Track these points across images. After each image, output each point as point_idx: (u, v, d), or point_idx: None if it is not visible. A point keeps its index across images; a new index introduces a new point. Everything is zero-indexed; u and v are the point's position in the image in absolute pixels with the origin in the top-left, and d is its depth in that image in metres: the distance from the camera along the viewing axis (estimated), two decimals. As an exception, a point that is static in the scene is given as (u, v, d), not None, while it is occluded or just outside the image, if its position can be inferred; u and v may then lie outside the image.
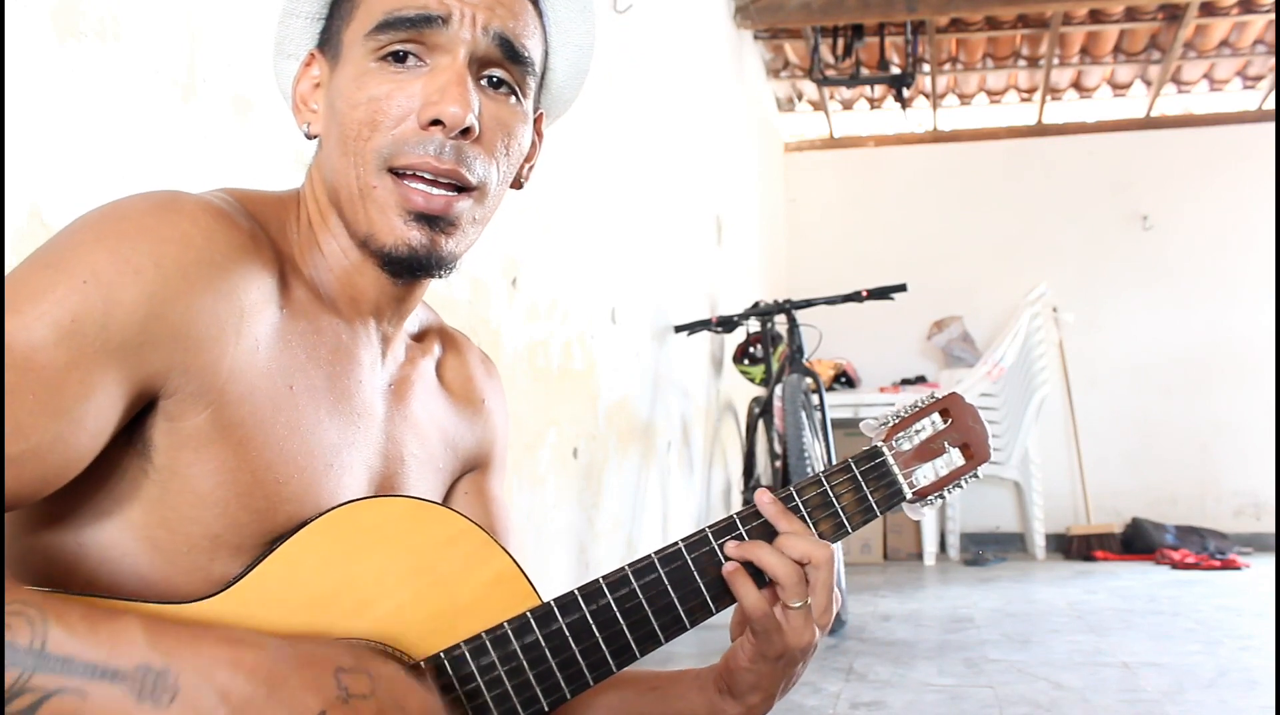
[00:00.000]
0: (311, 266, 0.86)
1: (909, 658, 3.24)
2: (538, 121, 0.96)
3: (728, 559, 0.89)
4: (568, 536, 2.67)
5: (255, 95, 1.44)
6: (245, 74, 1.43)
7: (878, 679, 2.95)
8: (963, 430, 0.96)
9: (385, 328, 0.91)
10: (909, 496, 0.94)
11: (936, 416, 0.96)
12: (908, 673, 3.03)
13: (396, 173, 0.82)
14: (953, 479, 0.95)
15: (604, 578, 0.87)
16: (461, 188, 0.83)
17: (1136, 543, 5.84)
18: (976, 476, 0.97)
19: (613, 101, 3.19)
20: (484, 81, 0.85)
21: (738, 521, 0.90)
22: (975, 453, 0.96)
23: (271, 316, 0.80)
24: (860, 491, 0.93)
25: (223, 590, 0.76)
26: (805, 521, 0.91)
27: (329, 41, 0.88)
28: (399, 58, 0.82)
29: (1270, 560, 5.43)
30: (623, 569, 0.88)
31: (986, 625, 3.80)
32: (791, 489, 0.92)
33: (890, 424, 0.95)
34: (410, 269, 0.84)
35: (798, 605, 0.88)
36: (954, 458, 0.95)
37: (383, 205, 0.82)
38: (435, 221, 0.82)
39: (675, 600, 0.88)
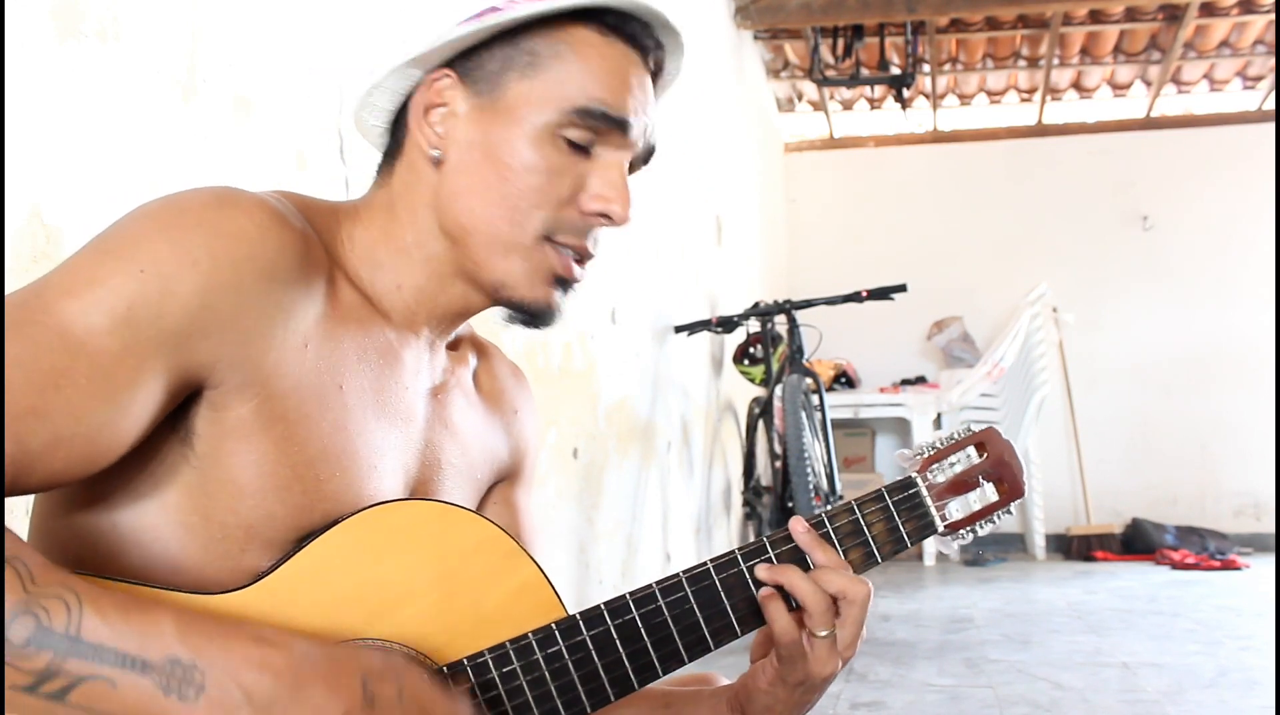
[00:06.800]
0: (365, 274, 0.88)
1: (909, 658, 3.24)
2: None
3: (758, 582, 0.89)
4: (568, 537, 2.67)
5: (256, 95, 1.44)
6: (246, 74, 1.42)
7: (878, 679, 2.96)
8: (997, 465, 0.96)
9: (433, 337, 0.93)
10: (940, 529, 0.94)
11: (972, 450, 0.96)
12: (908, 673, 3.03)
13: (553, 242, 0.88)
14: (985, 514, 0.95)
15: (631, 594, 0.87)
16: None
17: (1136, 543, 5.84)
18: (1009, 512, 0.97)
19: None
20: None
21: (768, 545, 0.90)
22: (1010, 488, 0.96)
23: (320, 316, 0.82)
24: (892, 521, 0.93)
25: (251, 584, 0.76)
26: (837, 550, 0.91)
27: (478, 77, 0.88)
28: (581, 147, 0.87)
29: (1270, 560, 5.43)
30: (650, 586, 0.87)
31: (986, 625, 3.80)
32: (823, 515, 0.92)
33: (926, 455, 0.96)
34: (544, 322, 0.90)
35: (824, 634, 0.88)
36: (987, 492, 0.96)
37: (536, 267, 0.88)
38: (569, 286, 0.90)
39: (701, 620, 0.88)
